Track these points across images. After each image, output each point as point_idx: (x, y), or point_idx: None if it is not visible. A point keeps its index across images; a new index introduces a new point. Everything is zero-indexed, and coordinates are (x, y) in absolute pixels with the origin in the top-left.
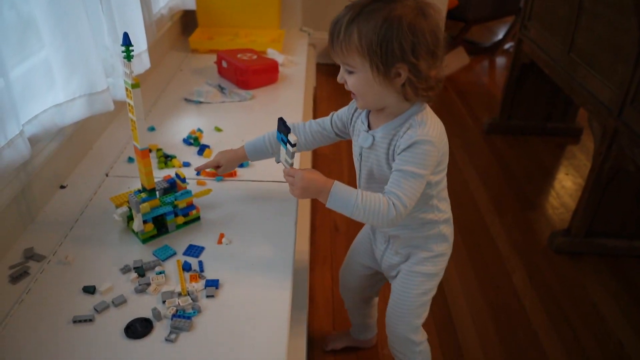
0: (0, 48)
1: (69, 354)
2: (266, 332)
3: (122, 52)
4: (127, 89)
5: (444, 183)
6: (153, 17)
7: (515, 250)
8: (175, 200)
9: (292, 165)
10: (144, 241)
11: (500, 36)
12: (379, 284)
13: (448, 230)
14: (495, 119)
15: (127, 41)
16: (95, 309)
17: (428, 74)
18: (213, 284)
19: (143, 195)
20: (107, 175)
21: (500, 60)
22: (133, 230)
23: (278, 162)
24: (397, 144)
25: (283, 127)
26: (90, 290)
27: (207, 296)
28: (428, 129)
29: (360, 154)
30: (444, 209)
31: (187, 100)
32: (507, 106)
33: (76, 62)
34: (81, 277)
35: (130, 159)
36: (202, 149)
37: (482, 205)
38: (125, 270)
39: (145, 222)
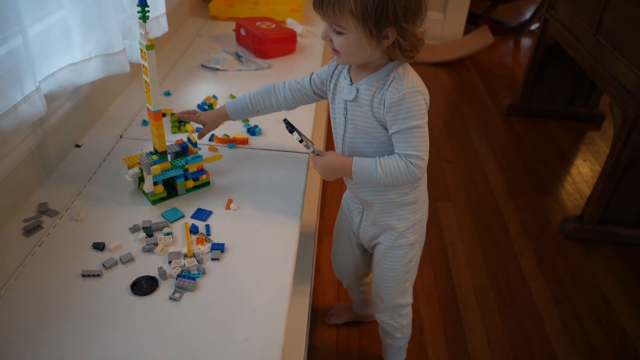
0: (19, 5)
1: (76, 306)
2: (268, 297)
3: (138, 12)
4: (141, 50)
5: None
6: None
7: (525, 233)
8: (186, 164)
9: (314, 151)
10: (154, 202)
11: (527, 16)
12: (370, 260)
13: (422, 195)
14: (516, 101)
15: (143, 1)
16: (103, 265)
17: (414, 35)
18: (219, 247)
19: (154, 157)
20: (121, 136)
21: (526, 42)
22: (144, 192)
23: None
24: (383, 97)
25: (289, 127)
26: (99, 247)
27: (212, 259)
28: (412, 81)
29: (345, 109)
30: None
31: (203, 66)
32: (528, 88)
33: (94, 22)
34: (91, 234)
35: (145, 122)
36: None
37: (495, 186)
38: (134, 229)
39: (155, 184)
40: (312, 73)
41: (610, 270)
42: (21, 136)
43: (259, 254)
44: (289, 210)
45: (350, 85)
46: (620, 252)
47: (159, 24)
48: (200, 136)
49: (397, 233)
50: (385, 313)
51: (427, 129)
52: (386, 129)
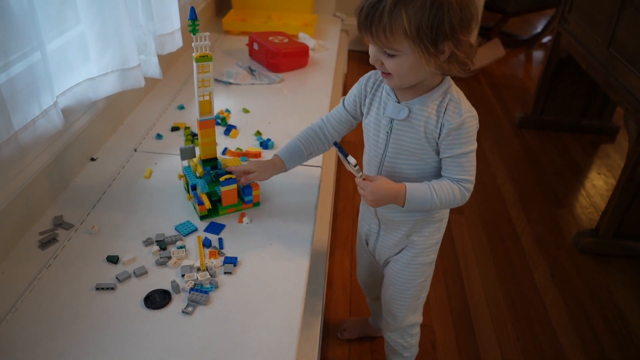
0: (38, 22)
1: (90, 319)
2: (280, 311)
3: (188, 25)
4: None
5: None
6: None
7: (539, 247)
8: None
9: (361, 176)
10: (202, 218)
11: (539, 29)
12: None
13: (447, 214)
14: (528, 114)
15: (193, 15)
16: (117, 278)
17: (470, 45)
18: (231, 261)
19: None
20: (135, 150)
21: (538, 54)
22: (194, 206)
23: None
24: (440, 120)
25: (341, 151)
26: (113, 260)
27: (225, 272)
28: (467, 104)
29: (391, 127)
30: None
31: (217, 80)
32: (540, 101)
33: (110, 37)
34: (106, 247)
35: (159, 136)
36: (229, 129)
37: (508, 199)
38: (148, 243)
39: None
40: (342, 99)
41: (625, 285)
42: (38, 150)
43: (271, 268)
44: (301, 224)
45: (398, 102)
46: (635, 266)
47: (173, 39)
48: (246, 181)
49: (418, 250)
50: (396, 332)
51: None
52: (436, 152)
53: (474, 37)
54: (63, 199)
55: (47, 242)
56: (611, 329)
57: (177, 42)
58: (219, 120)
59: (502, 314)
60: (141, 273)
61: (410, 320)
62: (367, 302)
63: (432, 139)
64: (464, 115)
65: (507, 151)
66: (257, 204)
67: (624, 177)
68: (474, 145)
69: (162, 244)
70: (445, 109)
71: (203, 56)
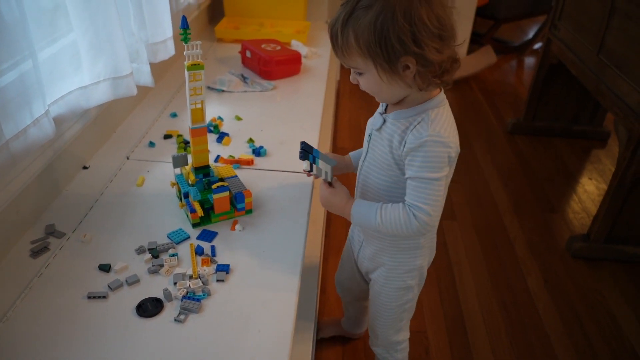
0: (30, 31)
1: (82, 328)
2: (273, 318)
3: (180, 34)
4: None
5: (446, 192)
6: (180, 6)
7: (532, 253)
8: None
9: (326, 179)
10: (194, 226)
11: (530, 35)
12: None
13: (428, 242)
14: (520, 120)
15: (184, 24)
16: (109, 287)
17: (439, 59)
18: (224, 268)
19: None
20: (127, 158)
21: (529, 61)
22: (186, 214)
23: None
24: (404, 138)
25: (303, 153)
26: (105, 268)
27: (218, 280)
28: (440, 129)
29: (370, 136)
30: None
31: (210, 88)
32: (532, 107)
33: (102, 45)
34: (98, 255)
35: (151, 143)
36: (222, 136)
37: (501, 205)
38: (140, 251)
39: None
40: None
41: (618, 289)
42: (30, 158)
43: (263, 275)
44: (294, 231)
45: (382, 114)
46: (627, 270)
47: (166, 47)
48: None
49: (391, 273)
50: (381, 347)
51: (443, 183)
52: (401, 170)
53: (451, 50)
54: (55, 207)
55: (39, 250)
56: (604, 334)
57: (169, 50)
58: (212, 128)
59: (495, 320)
60: (133, 281)
61: (394, 339)
62: (343, 301)
63: (397, 156)
64: (425, 137)
65: (499, 157)
66: (249, 212)
67: (615, 181)
68: (437, 174)
69: (155, 252)
70: (415, 128)
71: (195, 64)
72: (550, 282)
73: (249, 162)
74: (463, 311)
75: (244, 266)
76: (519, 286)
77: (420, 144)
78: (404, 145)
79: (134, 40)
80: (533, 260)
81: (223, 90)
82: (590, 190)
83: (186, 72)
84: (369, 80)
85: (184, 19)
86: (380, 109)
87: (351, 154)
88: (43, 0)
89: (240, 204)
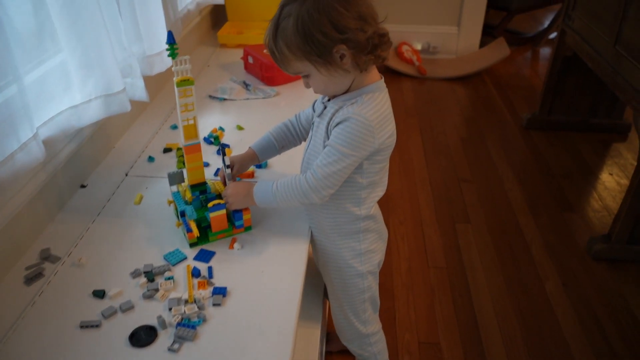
0: (14, 55)
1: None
2: (270, 345)
3: (167, 49)
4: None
5: (382, 179)
6: (178, 14)
7: (549, 254)
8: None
9: (229, 179)
10: (191, 245)
11: (545, 25)
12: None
13: (370, 226)
14: (535, 114)
15: (171, 39)
16: (102, 314)
17: (364, 37)
18: (221, 291)
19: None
20: (126, 174)
21: (545, 51)
22: (184, 234)
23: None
24: (337, 114)
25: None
26: (99, 294)
27: (214, 304)
28: (367, 110)
29: (313, 123)
30: (370, 206)
31: (211, 97)
32: (547, 100)
33: (92, 63)
34: (92, 280)
35: (151, 158)
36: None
37: (516, 204)
38: (136, 274)
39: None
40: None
41: None
42: (22, 182)
43: (262, 298)
44: (295, 249)
45: (326, 101)
46: None
47: (162, 59)
48: (233, 178)
49: (339, 262)
50: (353, 343)
51: (349, 163)
52: None
53: (375, 26)
54: (51, 228)
55: (33, 277)
56: (627, 342)
57: (165, 62)
58: (212, 140)
59: (511, 328)
60: (127, 308)
61: (362, 332)
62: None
63: (330, 134)
64: (350, 114)
65: (514, 154)
66: (248, 229)
67: (637, 177)
68: (347, 150)
69: (150, 275)
70: (346, 107)
71: (184, 80)
72: (569, 286)
73: (250, 175)
74: (478, 319)
75: (242, 288)
76: (536, 291)
77: (344, 119)
78: (334, 122)
79: (126, 54)
80: (551, 263)
81: (225, 99)
82: (610, 186)
83: (176, 89)
84: (315, 79)
85: (170, 34)
86: (324, 98)
87: (253, 145)
88: (27, 22)
89: (238, 221)
